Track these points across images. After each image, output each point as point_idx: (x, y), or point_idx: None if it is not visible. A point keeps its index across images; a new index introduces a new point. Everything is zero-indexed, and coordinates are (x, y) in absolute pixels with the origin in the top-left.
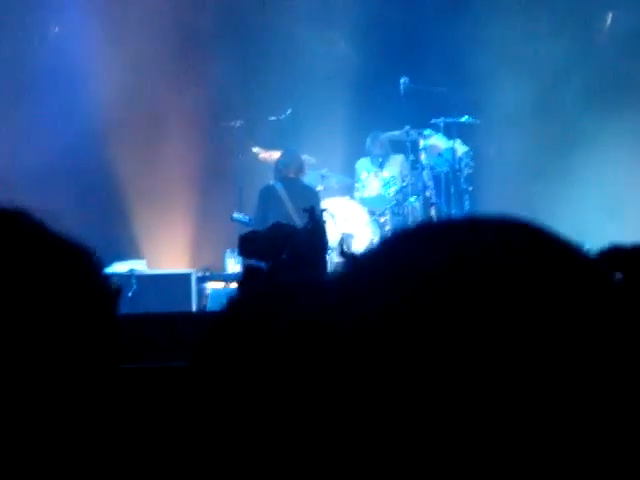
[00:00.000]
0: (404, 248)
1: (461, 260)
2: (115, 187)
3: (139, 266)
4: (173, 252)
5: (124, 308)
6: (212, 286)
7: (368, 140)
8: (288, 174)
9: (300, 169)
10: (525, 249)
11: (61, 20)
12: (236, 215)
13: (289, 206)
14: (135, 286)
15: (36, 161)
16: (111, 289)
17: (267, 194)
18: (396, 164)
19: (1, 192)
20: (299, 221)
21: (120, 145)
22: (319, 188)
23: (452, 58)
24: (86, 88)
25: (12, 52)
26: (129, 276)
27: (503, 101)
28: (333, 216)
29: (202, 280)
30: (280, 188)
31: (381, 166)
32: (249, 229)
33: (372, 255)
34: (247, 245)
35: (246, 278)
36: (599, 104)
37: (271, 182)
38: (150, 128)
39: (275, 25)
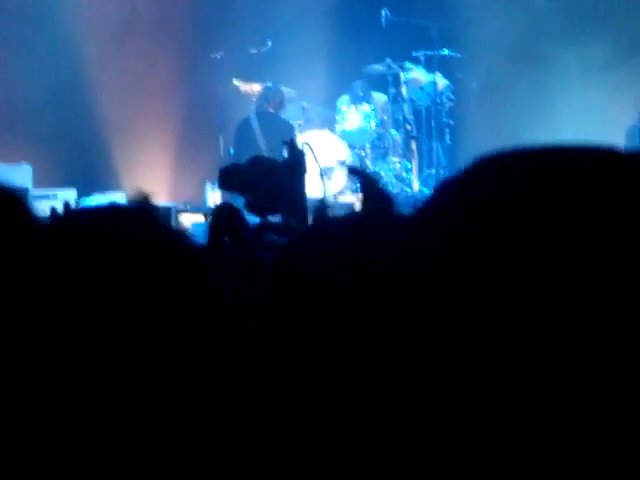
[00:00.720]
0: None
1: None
2: (97, 122)
3: (119, 198)
4: (154, 185)
5: None
6: (192, 219)
7: (349, 74)
8: (268, 108)
9: (280, 104)
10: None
11: None
12: None
13: (261, 141)
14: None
15: (24, 97)
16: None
17: (241, 129)
18: (377, 99)
19: None
20: (271, 155)
21: (102, 81)
22: (299, 122)
23: None
24: (71, 24)
25: None
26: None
27: (484, 34)
28: (312, 150)
29: (182, 213)
30: (255, 123)
31: (362, 100)
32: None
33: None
34: (227, 178)
35: (216, 216)
36: (574, 34)
37: (249, 115)
38: (132, 61)
39: None
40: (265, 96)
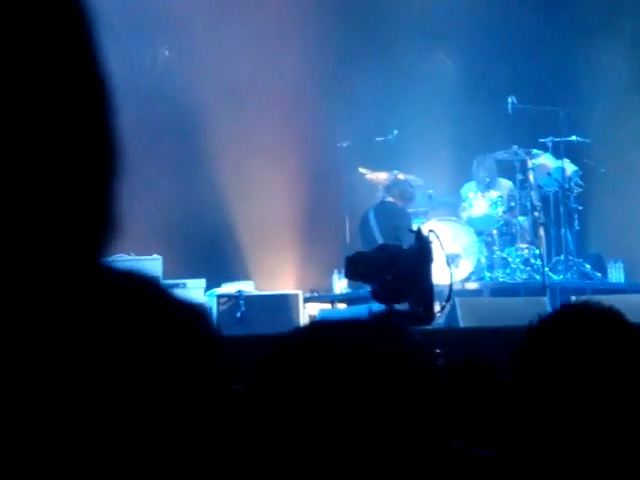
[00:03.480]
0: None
1: None
2: (224, 213)
3: (247, 287)
4: (280, 274)
5: (233, 328)
6: (319, 307)
7: (474, 164)
8: (390, 199)
9: (402, 195)
10: None
11: (172, 43)
12: None
13: (377, 235)
14: (243, 307)
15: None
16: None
17: (361, 223)
18: (504, 186)
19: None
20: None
21: (231, 175)
22: (424, 209)
23: (559, 76)
24: (192, 108)
25: (126, 73)
26: (237, 297)
27: (612, 120)
28: (438, 237)
29: (309, 301)
30: (372, 217)
31: (488, 187)
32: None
33: None
34: (353, 267)
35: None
36: None
37: (368, 209)
38: (261, 155)
39: (379, 45)
40: (387, 187)
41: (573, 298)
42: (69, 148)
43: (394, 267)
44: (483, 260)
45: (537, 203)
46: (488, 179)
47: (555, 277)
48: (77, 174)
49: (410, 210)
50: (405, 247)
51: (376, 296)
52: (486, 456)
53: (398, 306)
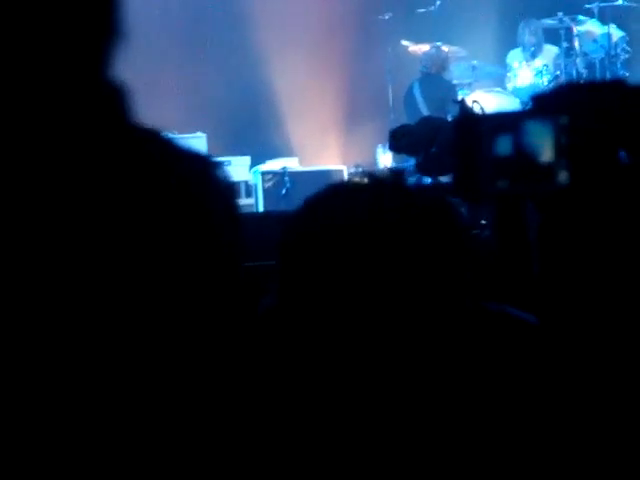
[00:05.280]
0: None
1: None
2: (269, 89)
3: (292, 163)
4: (325, 149)
5: (278, 204)
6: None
7: (520, 29)
8: (430, 71)
9: (442, 66)
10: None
11: None
12: None
13: (423, 108)
14: (288, 184)
15: (214, 83)
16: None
17: (405, 97)
18: (549, 54)
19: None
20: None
21: (275, 50)
22: (469, 81)
23: None
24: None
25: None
26: (282, 173)
27: None
28: (483, 108)
29: (354, 176)
30: (417, 90)
31: (533, 56)
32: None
33: None
34: (397, 140)
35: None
36: None
37: (412, 82)
38: (305, 30)
39: None
40: (425, 59)
41: None
42: None
43: (438, 139)
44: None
45: (583, 70)
46: (534, 47)
47: None
48: None
49: (455, 81)
50: (449, 119)
51: (421, 169)
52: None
53: (443, 178)
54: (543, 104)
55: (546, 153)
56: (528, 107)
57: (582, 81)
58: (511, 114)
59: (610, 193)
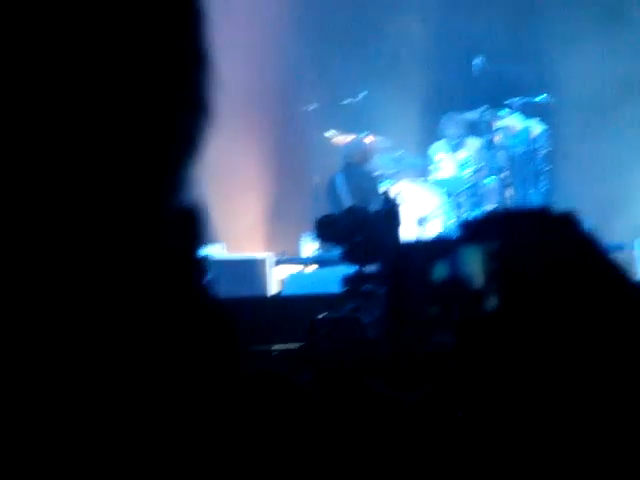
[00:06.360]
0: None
1: None
2: (195, 177)
3: (216, 250)
4: (250, 237)
5: None
6: (288, 270)
7: (442, 122)
8: (353, 161)
9: (365, 156)
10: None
11: None
12: None
13: (346, 199)
14: (211, 271)
15: None
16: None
17: (328, 188)
18: (472, 147)
19: None
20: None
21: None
22: (392, 171)
23: (529, 37)
24: None
25: None
26: (205, 261)
27: (581, 79)
28: (406, 199)
29: (278, 264)
30: (339, 181)
31: (456, 148)
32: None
33: None
34: (323, 229)
35: None
36: None
37: (334, 174)
38: (223, 119)
39: (347, 6)
40: (349, 150)
41: None
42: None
43: (363, 230)
44: (452, 222)
45: (504, 164)
46: (457, 139)
47: None
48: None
49: (379, 172)
50: (373, 209)
51: (346, 258)
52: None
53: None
54: (473, 231)
55: (476, 279)
56: (459, 234)
57: (511, 208)
58: (442, 241)
59: (540, 320)
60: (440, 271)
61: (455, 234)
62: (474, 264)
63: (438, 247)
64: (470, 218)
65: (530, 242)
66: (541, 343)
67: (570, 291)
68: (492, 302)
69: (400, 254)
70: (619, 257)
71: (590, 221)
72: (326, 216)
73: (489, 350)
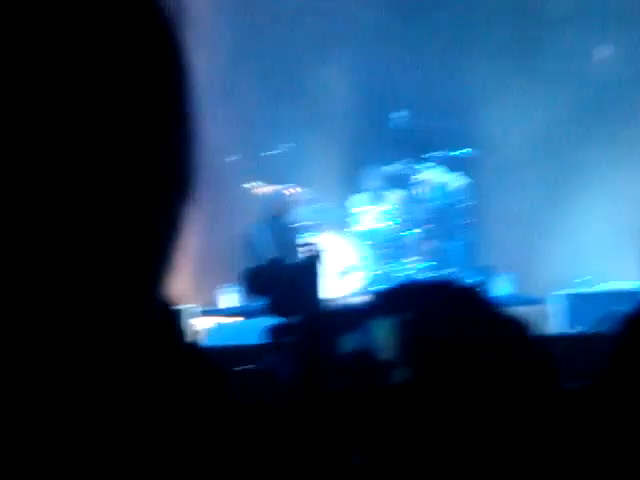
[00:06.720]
0: None
1: None
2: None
3: None
4: (168, 288)
5: None
6: (207, 322)
7: (365, 176)
8: (274, 213)
9: (286, 208)
10: None
11: None
12: None
13: (268, 250)
14: None
15: None
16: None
17: (249, 243)
18: (393, 199)
19: None
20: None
21: None
22: (314, 223)
23: (452, 90)
24: None
25: None
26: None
27: (504, 133)
28: (327, 251)
29: (198, 316)
30: (261, 232)
31: (377, 200)
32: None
33: None
34: (248, 282)
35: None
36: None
37: (254, 226)
38: None
39: (273, 57)
40: (270, 202)
41: None
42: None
43: (284, 282)
44: (373, 273)
45: (426, 216)
46: (378, 192)
47: None
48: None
49: (301, 223)
50: (294, 261)
51: (269, 310)
52: None
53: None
54: (386, 302)
55: (388, 350)
56: (371, 304)
57: (423, 280)
58: (354, 311)
59: (455, 391)
60: (349, 341)
61: (366, 305)
62: (384, 335)
63: (351, 317)
64: (381, 290)
65: (436, 316)
66: (449, 411)
67: (473, 362)
68: (401, 372)
69: (315, 319)
70: (535, 311)
71: (510, 275)
72: (251, 268)
73: (398, 416)
